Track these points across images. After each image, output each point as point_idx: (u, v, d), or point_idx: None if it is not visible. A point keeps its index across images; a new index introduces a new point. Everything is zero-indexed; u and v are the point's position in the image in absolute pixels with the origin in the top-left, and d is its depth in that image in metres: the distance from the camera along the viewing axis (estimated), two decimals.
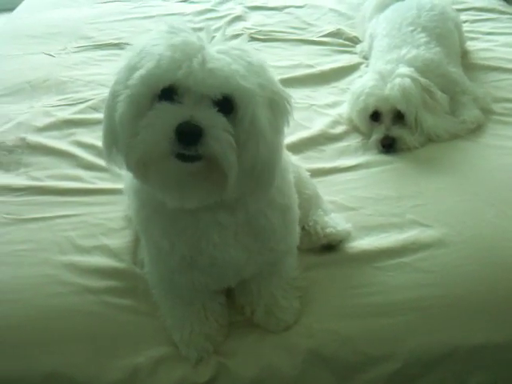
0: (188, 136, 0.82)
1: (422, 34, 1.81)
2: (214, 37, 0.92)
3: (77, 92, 1.90)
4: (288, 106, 0.93)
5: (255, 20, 2.41)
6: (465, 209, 1.36)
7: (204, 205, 0.92)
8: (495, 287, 1.18)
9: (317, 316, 1.16)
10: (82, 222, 1.37)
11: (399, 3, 2.02)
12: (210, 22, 2.32)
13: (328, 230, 1.25)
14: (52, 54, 2.19)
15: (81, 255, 1.28)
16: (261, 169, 0.89)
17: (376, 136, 1.62)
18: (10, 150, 1.63)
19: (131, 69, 0.88)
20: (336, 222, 1.28)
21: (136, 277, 1.23)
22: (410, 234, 1.29)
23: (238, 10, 2.48)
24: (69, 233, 1.33)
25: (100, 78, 1.96)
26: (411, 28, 1.83)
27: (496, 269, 1.21)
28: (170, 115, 0.84)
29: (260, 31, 2.29)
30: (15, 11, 2.72)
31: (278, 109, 0.92)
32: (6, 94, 1.93)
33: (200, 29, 0.95)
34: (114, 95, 0.90)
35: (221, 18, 2.42)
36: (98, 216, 1.38)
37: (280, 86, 0.94)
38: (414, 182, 1.46)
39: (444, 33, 1.86)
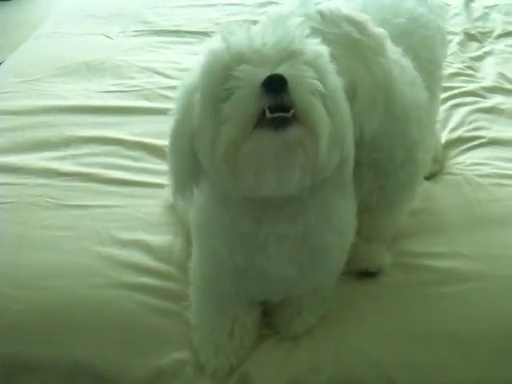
0: (274, 84, 0.81)
1: None
2: None
3: (131, 78, 1.89)
4: None
5: None
6: None
7: (294, 193, 0.91)
8: None
9: (347, 335, 1.12)
10: (122, 214, 1.36)
11: None
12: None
13: (369, 254, 1.22)
14: (111, 36, 2.19)
15: (118, 248, 1.28)
16: (342, 142, 0.90)
17: None
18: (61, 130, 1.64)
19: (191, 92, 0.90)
20: (378, 249, 1.25)
21: (170, 277, 1.22)
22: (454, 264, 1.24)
23: None
24: (109, 224, 1.33)
25: (155, 66, 1.95)
26: None
27: None
28: (253, 73, 0.83)
29: None
30: None
31: None
32: (62, 73, 1.94)
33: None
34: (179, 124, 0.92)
35: None
36: (140, 209, 1.38)
37: None
38: None
39: None
